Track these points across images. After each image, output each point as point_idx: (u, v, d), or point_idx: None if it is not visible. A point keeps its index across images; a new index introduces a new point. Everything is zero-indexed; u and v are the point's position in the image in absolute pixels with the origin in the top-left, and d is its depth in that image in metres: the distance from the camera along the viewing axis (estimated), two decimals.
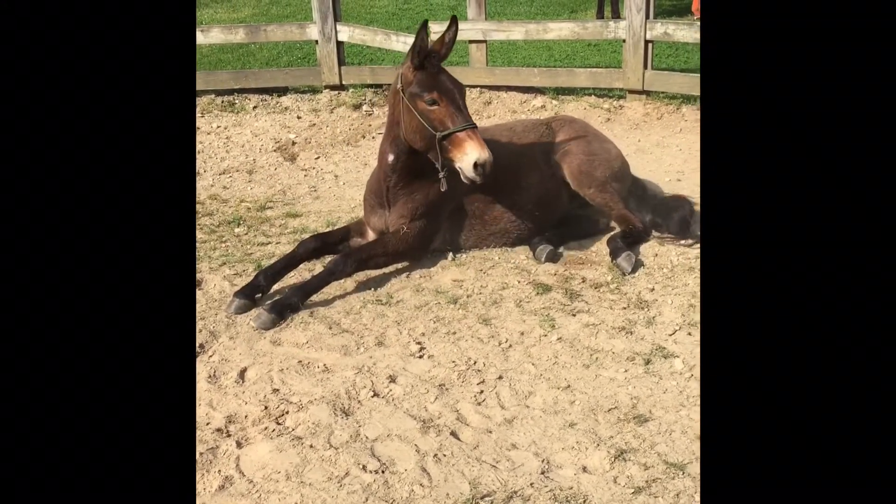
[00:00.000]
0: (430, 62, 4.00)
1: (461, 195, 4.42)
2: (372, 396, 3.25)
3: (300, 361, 3.53)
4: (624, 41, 7.14)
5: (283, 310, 3.88)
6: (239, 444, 2.99)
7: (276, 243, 4.82)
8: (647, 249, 4.57)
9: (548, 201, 4.66)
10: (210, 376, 3.43)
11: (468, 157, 3.86)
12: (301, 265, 4.34)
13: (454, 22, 4.07)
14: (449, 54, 4.15)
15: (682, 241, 4.58)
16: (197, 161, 6.56)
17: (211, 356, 3.59)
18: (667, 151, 6.37)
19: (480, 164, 3.84)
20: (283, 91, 8.03)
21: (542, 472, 2.79)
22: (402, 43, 7.72)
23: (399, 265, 4.40)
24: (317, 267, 4.39)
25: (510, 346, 3.62)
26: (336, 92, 7.87)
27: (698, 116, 6.92)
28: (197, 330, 3.76)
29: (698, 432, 2.97)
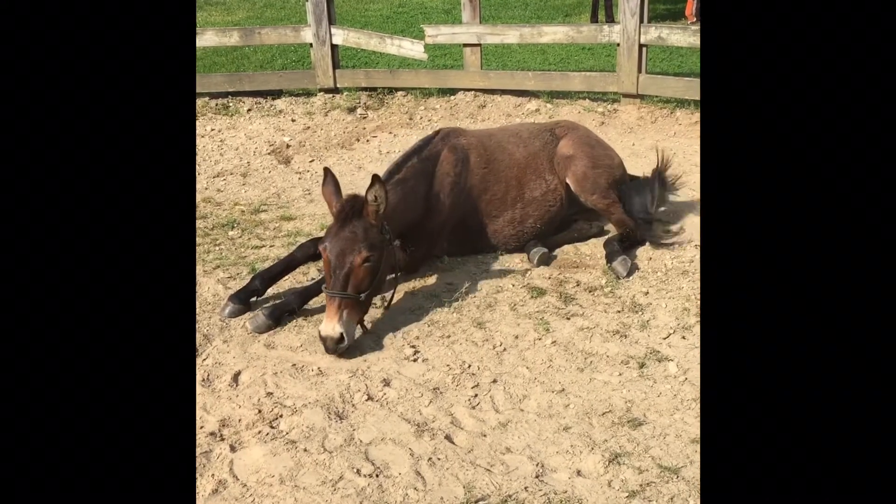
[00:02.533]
0: (350, 214, 3.67)
1: (466, 210, 4.43)
2: (366, 400, 3.25)
3: (294, 365, 3.52)
4: (618, 45, 7.16)
5: (281, 314, 3.87)
6: (233, 448, 2.98)
7: (270, 246, 4.81)
8: (642, 253, 4.58)
9: (551, 215, 4.67)
10: (204, 379, 3.42)
11: (319, 327, 3.56)
12: (296, 269, 4.32)
13: (374, 181, 3.64)
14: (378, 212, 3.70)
15: (677, 241, 4.61)
16: None
17: (205, 359, 3.58)
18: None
19: (322, 338, 3.52)
20: (277, 94, 8.03)
21: (537, 476, 2.78)
22: (397, 46, 7.73)
23: None
24: (311, 270, 4.39)
25: (504, 349, 3.62)
26: (330, 95, 7.86)
27: (692, 120, 6.94)
28: None
29: (692, 436, 2.98)
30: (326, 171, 3.87)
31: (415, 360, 3.55)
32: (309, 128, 7.36)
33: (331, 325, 3.49)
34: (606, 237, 4.63)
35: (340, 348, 3.52)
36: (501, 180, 4.55)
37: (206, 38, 8.01)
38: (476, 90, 7.66)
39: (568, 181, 4.67)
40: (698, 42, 6.49)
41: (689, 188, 5.56)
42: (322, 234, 4.73)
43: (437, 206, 4.30)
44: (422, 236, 4.27)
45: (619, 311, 3.93)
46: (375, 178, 3.67)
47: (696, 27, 8.19)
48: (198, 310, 4.00)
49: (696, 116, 6.88)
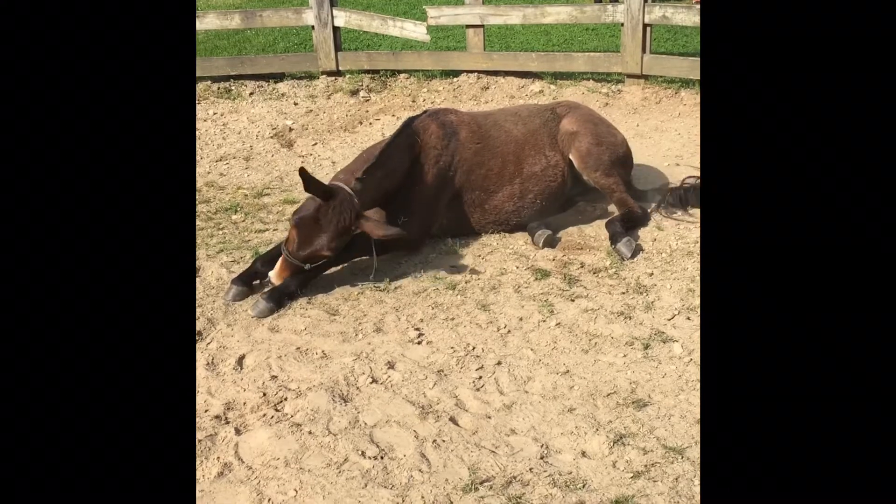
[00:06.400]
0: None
1: (459, 185, 4.43)
2: (370, 383, 3.25)
3: (298, 348, 3.52)
4: (622, 25, 7.09)
5: (281, 297, 3.87)
6: (238, 431, 2.98)
7: (274, 230, 4.80)
8: (646, 234, 4.56)
9: (552, 191, 4.66)
10: (208, 363, 3.42)
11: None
12: None
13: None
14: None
15: (681, 214, 4.65)
16: None
17: (209, 343, 3.59)
18: (665, 136, 6.35)
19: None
20: (279, 77, 7.98)
21: (541, 458, 2.79)
22: (399, 28, 7.67)
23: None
24: None
25: (509, 331, 3.62)
26: (333, 78, 7.82)
27: (697, 100, 6.89)
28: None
29: (697, 416, 2.97)
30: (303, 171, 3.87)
31: (419, 343, 3.54)
32: (311, 111, 7.33)
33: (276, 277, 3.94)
34: (609, 218, 4.61)
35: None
36: (498, 155, 4.54)
37: (207, 22, 7.96)
38: (479, 72, 7.61)
39: (571, 157, 4.65)
40: None
41: (693, 168, 5.53)
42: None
43: (421, 178, 4.30)
44: (408, 207, 4.27)
45: (623, 293, 3.92)
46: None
47: None
48: (202, 294, 4.00)
49: None
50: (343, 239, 3.92)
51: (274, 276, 3.91)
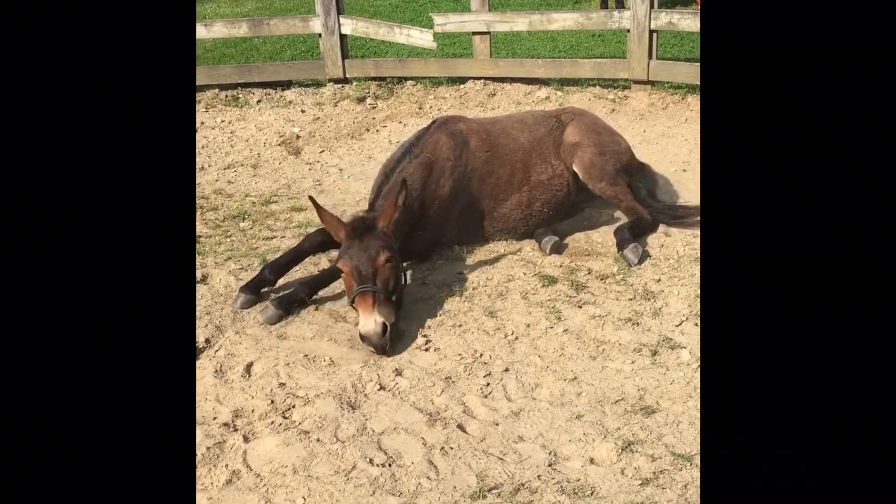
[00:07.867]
0: (362, 229, 3.71)
1: (472, 194, 4.44)
2: (378, 390, 3.25)
3: (306, 355, 3.53)
4: (628, 31, 7.10)
5: (290, 305, 3.88)
6: (246, 439, 2.99)
7: (282, 237, 4.82)
8: (653, 240, 4.56)
9: (558, 200, 4.67)
10: (216, 371, 3.43)
11: (359, 328, 3.49)
12: (306, 259, 4.33)
13: (403, 186, 3.83)
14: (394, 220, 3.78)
15: (689, 225, 4.64)
16: (201, 156, 6.55)
17: (217, 351, 3.59)
18: (672, 142, 6.34)
19: (364, 336, 3.45)
20: (286, 85, 8.01)
21: (550, 465, 2.78)
22: (405, 35, 7.70)
23: None
24: (322, 260, 4.39)
25: (516, 338, 3.62)
26: (340, 85, 7.84)
27: None
28: (203, 325, 3.76)
29: None
30: (311, 200, 3.85)
31: (426, 350, 3.55)
32: (319, 118, 7.35)
33: (370, 320, 3.42)
34: (617, 225, 4.61)
35: (384, 341, 3.43)
36: (506, 164, 4.55)
37: (215, 30, 8.00)
38: (485, 78, 7.62)
39: (575, 169, 4.66)
40: None
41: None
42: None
43: (437, 192, 4.31)
44: (426, 221, 4.28)
45: (631, 299, 3.91)
46: (404, 182, 3.84)
47: None
48: (210, 301, 4.01)
49: None
50: None
51: (374, 322, 3.41)
